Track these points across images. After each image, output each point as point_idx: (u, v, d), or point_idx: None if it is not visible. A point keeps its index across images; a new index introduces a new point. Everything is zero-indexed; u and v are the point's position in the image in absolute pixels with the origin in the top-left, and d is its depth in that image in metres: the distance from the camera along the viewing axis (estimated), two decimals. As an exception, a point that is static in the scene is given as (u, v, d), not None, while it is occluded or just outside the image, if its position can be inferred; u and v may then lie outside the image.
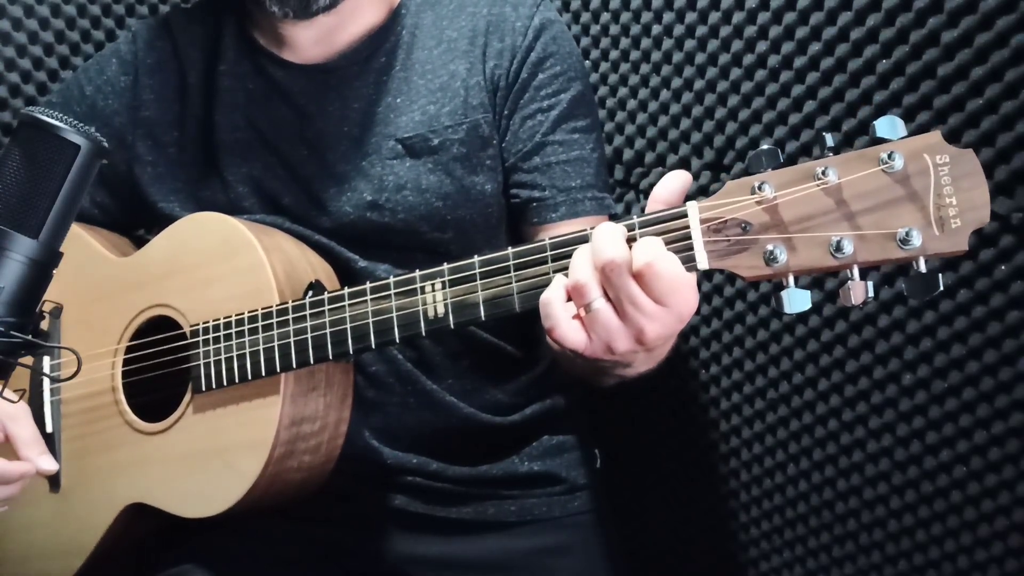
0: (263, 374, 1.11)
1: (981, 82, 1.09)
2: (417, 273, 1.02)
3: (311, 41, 1.24)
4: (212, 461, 1.14)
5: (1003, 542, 1.20)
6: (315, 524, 1.25)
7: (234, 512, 1.13)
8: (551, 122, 1.25)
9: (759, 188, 0.84)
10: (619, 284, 0.84)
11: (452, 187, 1.23)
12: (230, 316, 1.13)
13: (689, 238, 0.86)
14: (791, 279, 0.85)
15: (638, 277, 0.84)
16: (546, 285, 0.91)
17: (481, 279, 0.98)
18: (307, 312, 1.08)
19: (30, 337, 0.86)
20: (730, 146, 1.35)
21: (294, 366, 1.09)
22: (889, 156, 0.80)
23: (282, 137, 1.26)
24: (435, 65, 1.25)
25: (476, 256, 0.98)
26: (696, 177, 1.40)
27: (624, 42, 1.44)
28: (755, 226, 0.85)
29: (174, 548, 1.22)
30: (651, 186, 1.45)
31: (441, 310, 1.00)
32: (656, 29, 1.40)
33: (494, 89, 1.25)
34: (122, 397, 1.20)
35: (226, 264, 1.15)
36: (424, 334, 1.01)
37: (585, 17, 1.47)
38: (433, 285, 1.01)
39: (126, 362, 1.21)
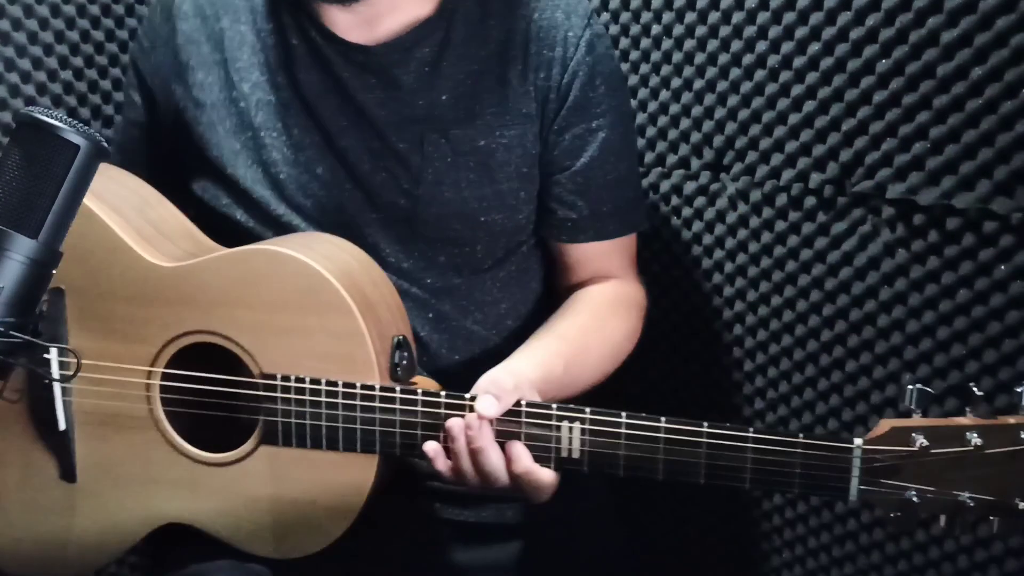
0: (358, 451, 1.09)
1: (981, 82, 1.09)
2: (555, 410, 1.05)
3: (349, 24, 1.21)
4: (288, 510, 1.12)
5: (1003, 542, 1.19)
6: None
7: None
8: (600, 143, 1.24)
9: (915, 437, 0.95)
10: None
11: (490, 190, 1.22)
12: (320, 379, 1.09)
13: (848, 472, 0.97)
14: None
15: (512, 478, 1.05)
16: (694, 464, 1.02)
17: (626, 439, 1.03)
18: (419, 409, 1.07)
19: (30, 337, 0.86)
20: (730, 146, 1.35)
21: (397, 454, 1.09)
22: None
23: (322, 104, 1.23)
24: (483, 67, 1.23)
25: (624, 415, 1.03)
26: (696, 177, 1.40)
27: (624, 42, 1.44)
28: (903, 474, 0.96)
29: (187, 547, 1.22)
30: (651, 186, 1.46)
31: (577, 454, 1.05)
32: (656, 29, 1.40)
33: (543, 100, 1.23)
34: (163, 418, 1.15)
35: (314, 319, 1.09)
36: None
37: (585, 17, 1.47)
38: (571, 428, 1.04)
39: (167, 377, 1.16)
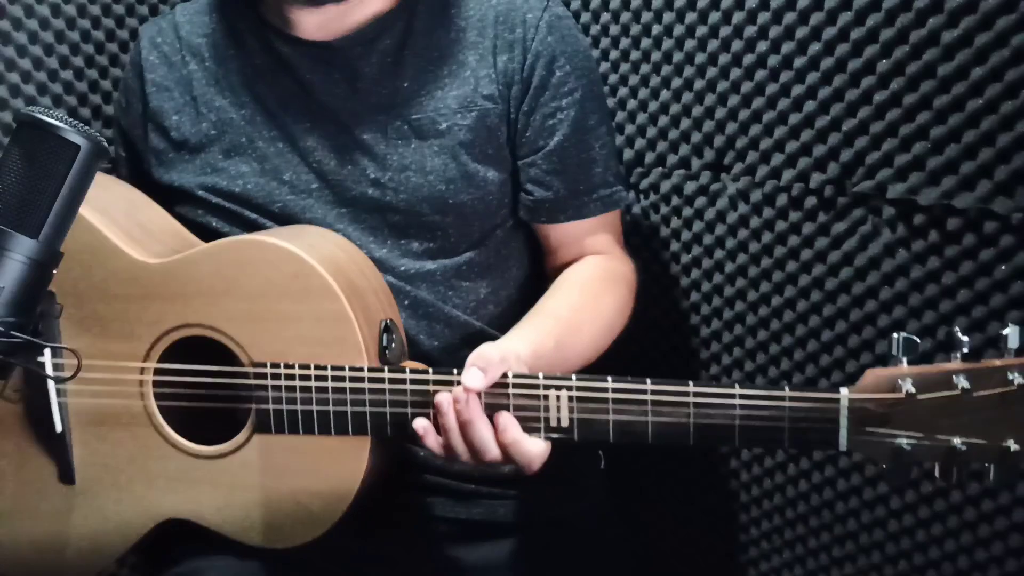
0: (349, 433, 1.09)
1: (981, 82, 1.09)
2: (541, 380, 1.04)
3: (315, 25, 1.25)
4: (283, 499, 1.13)
5: (1003, 542, 1.19)
6: None
7: None
8: (570, 122, 1.26)
9: (901, 384, 0.94)
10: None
11: (456, 172, 1.24)
12: (309, 365, 1.09)
13: (836, 423, 0.96)
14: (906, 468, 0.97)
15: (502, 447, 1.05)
16: (682, 424, 1.02)
17: (614, 404, 1.03)
18: (408, 387, 1.07)
19: (30, 337, 0.86)
20: (730, 146, 1.35)
21: (388, 433, 1.09)
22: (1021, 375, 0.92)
23: (286, 110, 1.27)
24: (443, 52, 1.26)
25: (610, 379, 1.03)
26: (696, 177, 1.40)
27: (624, 42, 1.44)
28: (892, 422, 0.95)
29: (186, 543, 1.22)
30: (651, 186, 1.45)
31: (565, 422, 1.04)
32: (656, 29, 1.40)
33: (508, 83, 1.25)
34: (157, 413, 1.16)
35: (301, 305, 1.10)
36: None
37: (585, 17, 1.47)
38: (559, 396, 1.04)
39: (159, 373, 1.16)
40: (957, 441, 0.93)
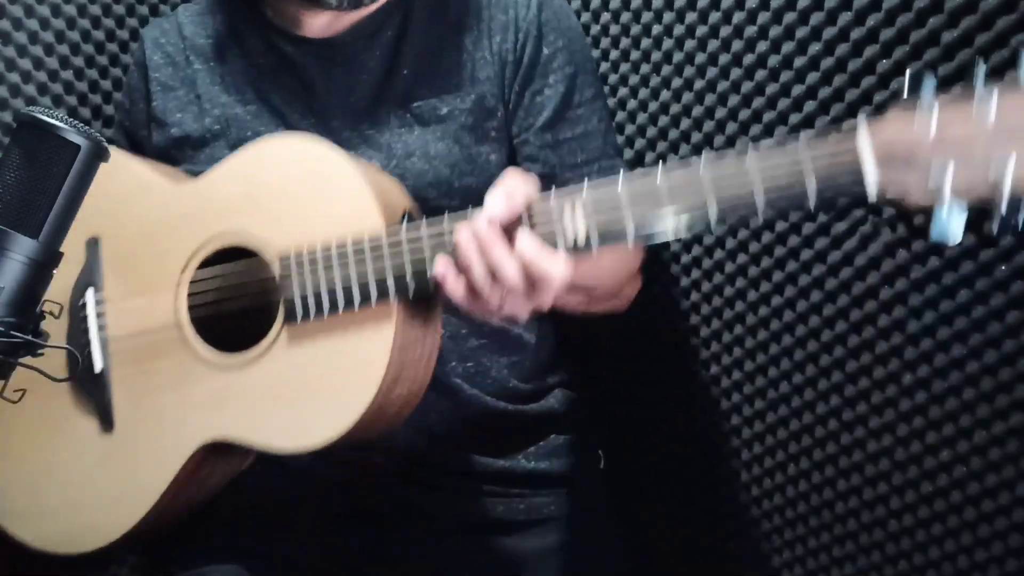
0: (373, 301, 1.07)
1: (981, 82, 1.09)
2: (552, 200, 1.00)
3: (322, 25, 1.27)
4: (314, 392, 1.10)
5: (1003, 542, 1.20)
6: (327, 523, 1.25)
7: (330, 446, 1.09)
8: (559, 98, 1.28)
9: (923, 114, 0.87)
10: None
11: (460, 155, 1.25)
12: (330, 242, 1.08)
13: (859, 164, 0.89)
14: (947, 206, 0.87)
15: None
16: (700, 206, 0.94)
17: (629, 204, 0.97)
18: (424, 243, 1.05)
19: (30, 337, 0.87)
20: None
21: (411, 296, 1.07)
22: None
23: (291, 108, 1.28)
24: (441, 40, 1.28)
25: (620, 178, 0.97)
26: (696, 177, 1.40)
27: (624, 42, 1.44)
28: (920, 155, 0.87)
29: (187, 544, 1.22)
30: (651, 186, 1.45)
31: (582, 234, 0.99)
32: (656, 29, 1.40)
33: (502, 64, 1.27)
34: (189, 331, 1.16)
35: (323, 192, 1.11)
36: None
37: (585, 17, 1.47)
38: (574, 208, 0.99)
39: (194, 294, 1.17)
40: (994, 165, 0.84)
